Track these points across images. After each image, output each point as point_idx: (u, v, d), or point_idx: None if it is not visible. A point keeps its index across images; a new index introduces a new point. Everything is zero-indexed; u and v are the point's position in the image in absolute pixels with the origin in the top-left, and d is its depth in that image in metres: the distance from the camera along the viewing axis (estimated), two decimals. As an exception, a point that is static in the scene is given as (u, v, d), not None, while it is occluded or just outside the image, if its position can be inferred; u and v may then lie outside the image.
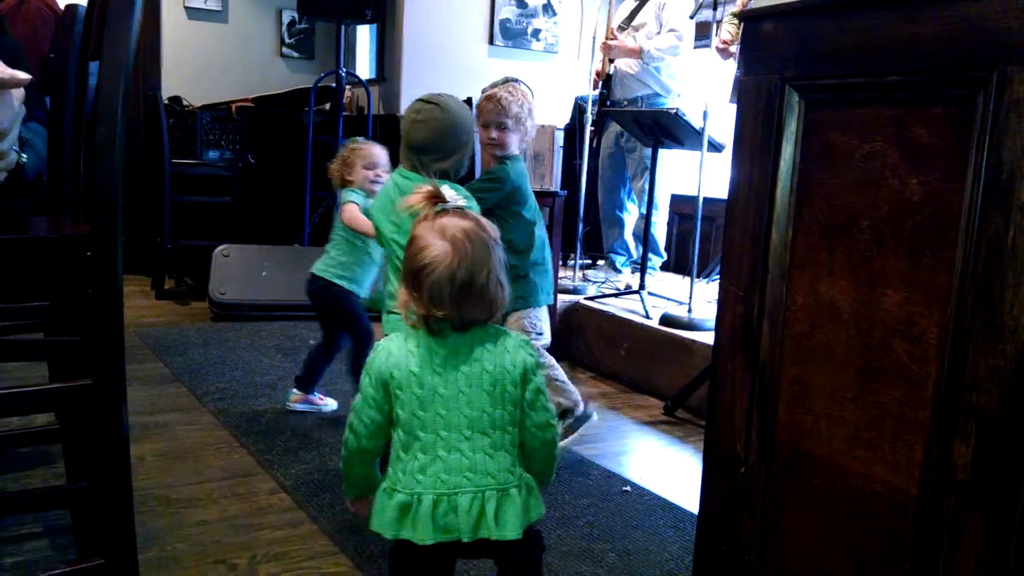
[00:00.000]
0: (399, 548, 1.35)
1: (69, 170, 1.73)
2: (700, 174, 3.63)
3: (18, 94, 0.71)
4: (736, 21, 3.90)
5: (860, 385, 1.23)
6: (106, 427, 1.37)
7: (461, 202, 1.36)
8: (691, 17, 3.98)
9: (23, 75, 0.70)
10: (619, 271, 4.66)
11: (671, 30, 4.08)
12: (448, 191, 1.36)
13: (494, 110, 2.47)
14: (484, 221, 1.35)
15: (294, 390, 2.99)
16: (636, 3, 4.24)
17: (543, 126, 4.06)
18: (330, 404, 3.02)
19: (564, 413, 2.61)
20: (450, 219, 1.32)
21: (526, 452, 1.38)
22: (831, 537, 1.28)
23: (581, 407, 2.65)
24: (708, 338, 2.94)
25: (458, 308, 1.29)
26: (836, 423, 1.27)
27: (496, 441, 1.32)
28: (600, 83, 4.32)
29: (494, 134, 2.48)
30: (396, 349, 1.33)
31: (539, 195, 4.43)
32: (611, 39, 4.17)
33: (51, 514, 1.99)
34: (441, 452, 1.30)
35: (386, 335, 2.05)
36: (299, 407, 2.97)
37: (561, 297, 3.99)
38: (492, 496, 1.31)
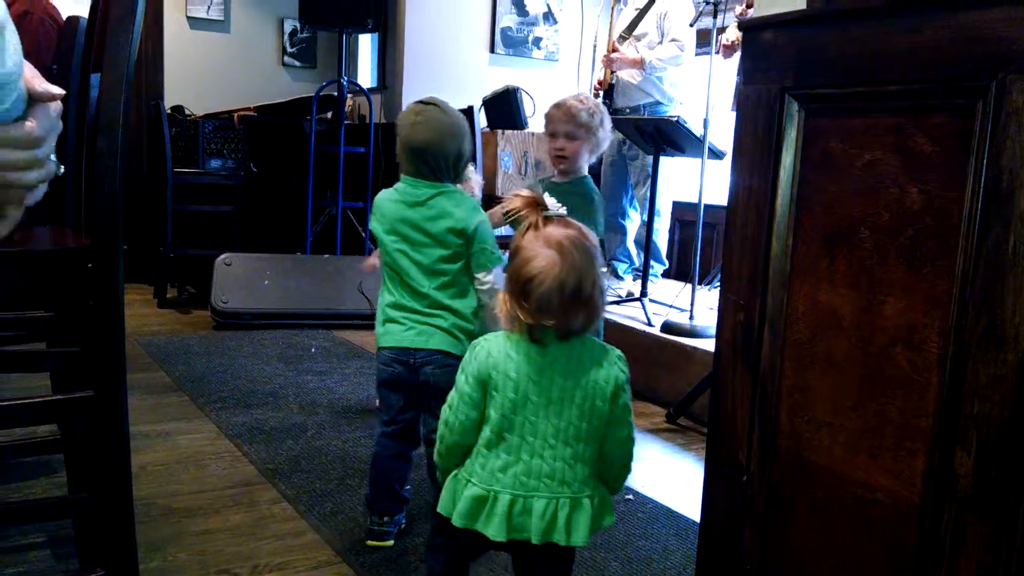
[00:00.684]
0: (444, 526, 1.39)
1: (71, 181, 1.73)
2: (701, 181, 3.64)
3: (55, 106, 0.71)
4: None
5: (861, 393, 1.23)
6: (107, 438, 1.37)
7: (562, 209, 1.37)
8: (691, 25, 3.99)
9: (57, 90, 0.71)
10: (621, 278, 4.66)
11: (673, 40, 4.09)
12: (549, 199, 1.36)
13: (562, 118, 2.37)
14: (586, 229, 1.37)
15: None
16: (637, 12, 4.25)
17: (544, 134, 4.07)
18: None
19: None
20: (555, 228, 1.33)
21: (606, 461, 1.40)
22: (833, 546, 1.28)
23: None
24: (710, 345, 2.94)
25: (566, 317, 1.31)
26: (837, 431, 1.26)
27: (578, 452, 1.35)
28: (602, 92, 4.33)
29: (561, 144, 2.38)
30: (496, 351, 1.35)
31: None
32: (613, 51, 4.18)
33: (53, 524, 1.99)
34: (524, 456, 1.33)
35: (381, 347, 2.05)
36: None
37: (563, 305, 3.98)
38: (566, 504, 1.34)
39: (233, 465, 2.53)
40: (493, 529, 1.33)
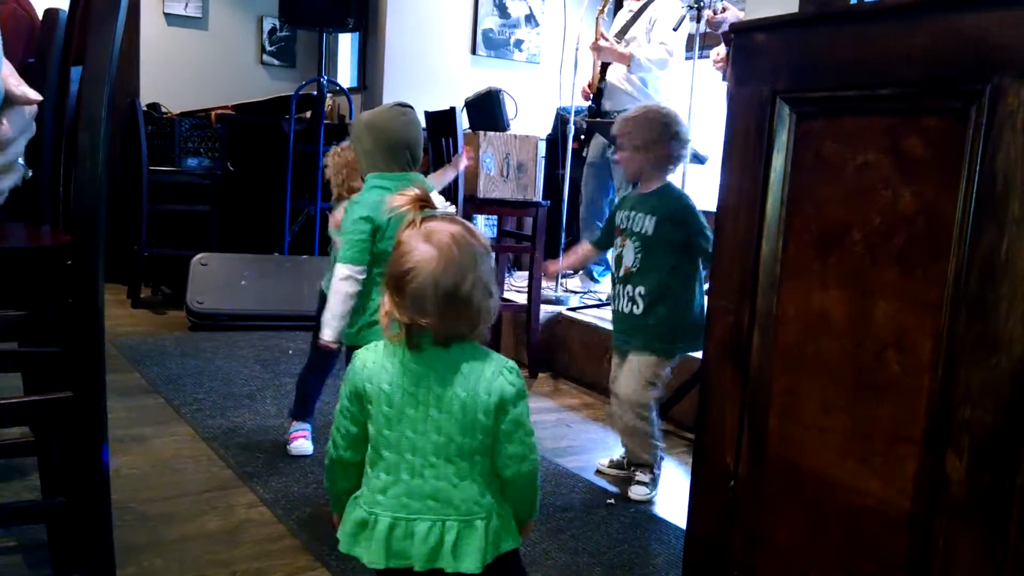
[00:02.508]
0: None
1: (48, 177, 1.69)
2: (683, 186, 3.64)
3: (31, 109, 0.68)
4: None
5: (852, 397, 1.22)
6: (85, 441, 1.33)
7: (451, 208, 1.31)
8: (674, 29, 4.00)
9: (34, 95, 0.68)
10: (597, 281, 4.66)
11: (661, 43, 4.10)
12: (437, 196, 1.30)
13: (619, 130, 2.53)
14: (475, 228, 1.30)
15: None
16: (628, 18, 4.26)
17: (527, 136, 4.07)
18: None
19: (642, 467, 2.52)
20: (438, 224, 1.26)
21: (503, 482, 1.31)
22: (822, 551, 1.27)
23: (647, 476, 2.52)
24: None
25: (442, 318, 1.22)
26: (827, 435, 1.26)
27: (462, 470, 1.25)
28: (591, 96, 4.34)
29: (619, 155, 2.56)
30: (372, 361, 1.28)
31: (522, 205, 4.44)
32: (602, 39, 4.17)
33: (26, 529, 1.94)
34: (404, 475, 1.25)
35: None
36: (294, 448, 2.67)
37: (543, 308, 3.98)
38: (453, 526, 1.24)
39: (210, 469, 2.49)
40: (372, 555, 1.24)
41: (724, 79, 3.90)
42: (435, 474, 1.25)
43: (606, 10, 4.35)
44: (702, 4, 3.56)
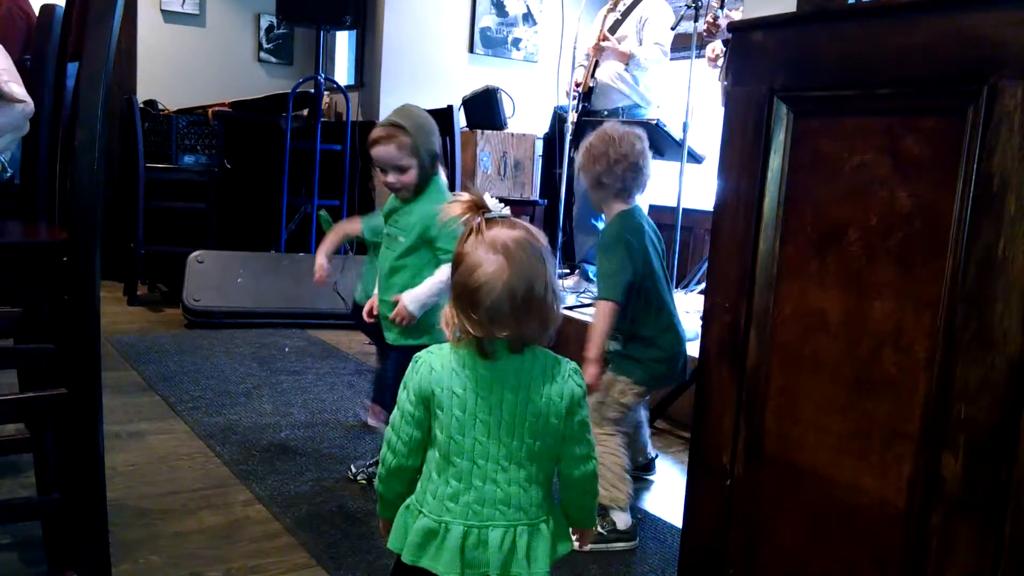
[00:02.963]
0: (403, 570, 1.27)
1: (44, 174, 1.69)
2: (680, 184, 3.64)
3: (23, 108, 0.69)
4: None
5: (848, 395, 1.23)
6: (81, 437, 1.33)
7: (506, 210, 1.26)
8: (672, 28, 4.00)
9: (25, 96, 0.68)
10: (592, 280, 4.66)
11: (656, 43, 4.10)
12: (490, 199, 1.26)
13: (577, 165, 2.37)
14: (533, 228, 1.26)
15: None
16: (619, 16, 4.26)
17: (523, 135, 4.07)
18: None
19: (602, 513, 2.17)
20: (500, 230, 1.22)
21: (564, 483, 1.30)
22: (819, 549, 1.28)
23: (622, 520, 2.16)
24: (688, 348, 2.94)
25: (519, 326, 1.20)
26: (824, 433, 1.26)
27: (532, 474, 1.24)
28: (580, 95, 4.33)
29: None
30: (440, 365, 1.24)
31: (519, 204, 4.44)
32: (605, 40, 4.17)
33: (21, 526, 1.94)
34: (476, 481, 1.22)
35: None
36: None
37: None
38: (524, 532, 1.23)
39: (206, 466, 2.49)
40: (443, 565, 1.21)
41: (720, 77, 3.91)
42: (507, 479, 1.23)
43: (612, 9, 4.35)
44: (699, 3, 3.56)
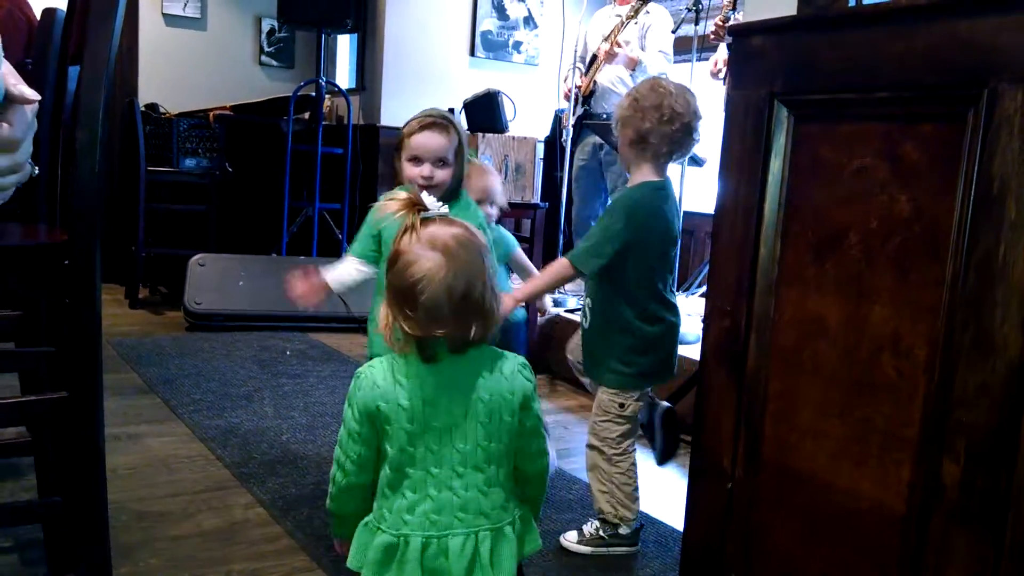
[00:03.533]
0: None
1: (45, 175, 1.69)
2: (680, 188, 3.65)
3: (32, 108, 0.69)
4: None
5: (847, 400, 1.22)
6: (81, 441, 1.33)
7: (444, 209, 1.24)
8: (673, 32, 4.00)
9: (33, 94, 0.68)
10: (590, 282, 4.65)
11: (660, 51, 4.11)
12: (429, 197, 1.24)
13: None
14: (472, 227, 1.25)
15: None
16: (616, 23, 4.26)
17: (524, 138, 4.06)
18: None
19: (600, 520, 2.11)
20: (436, 227, 1.20)
21: (521, 480, 1.29)
22: (818, 554, 1.27)
23: (625, 528, 2.10)
24: (689, 351, 2.94)
25: (458, 325, 1.18)
26: (823, 438, 1.26)
27: (491, 477, 1.22)
28: (581, 97, 4.34)
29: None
30: (382, 379, 1.20)
31: (520, 207, 4.44)
32: (617, 46, 4.17)
33: (22, 528, 1.94)
34: (431, 490, 1.19)
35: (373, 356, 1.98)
36: None
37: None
38: (486, 536, 1.21)
39: (206, 469, 2.49)
40: None
41: (727, 87, 3.90)
42: (464, 484, 1.20)
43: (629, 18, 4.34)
44: (700, 6, 3.56)
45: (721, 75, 3.94)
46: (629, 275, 2.03)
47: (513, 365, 1.25)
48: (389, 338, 1.21)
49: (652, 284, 2.06)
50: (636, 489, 2.12)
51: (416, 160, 1.95)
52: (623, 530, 2.10)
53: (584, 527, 2.13)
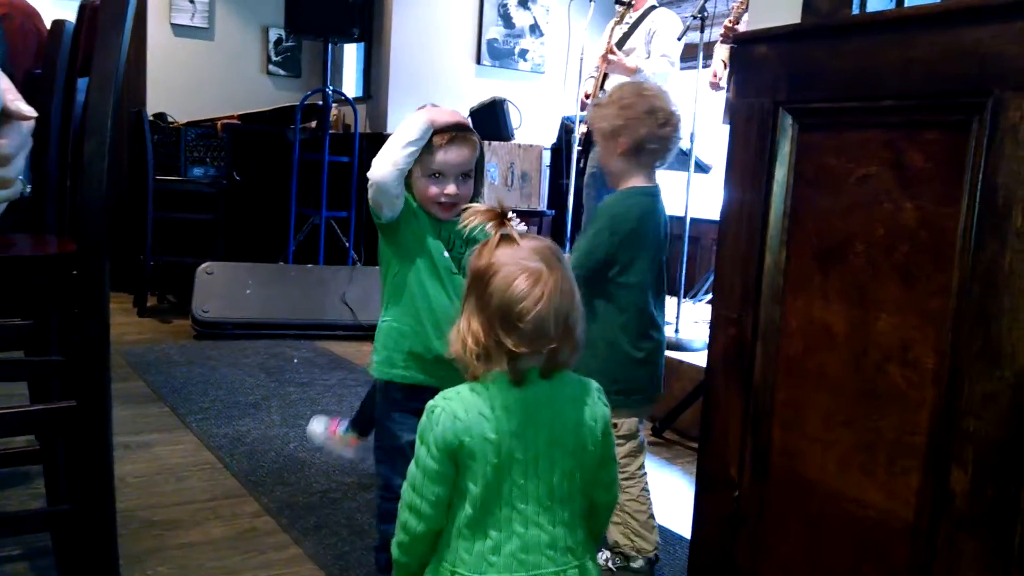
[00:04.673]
0: None
1: (54, 186, 1.71)
2: (687, 195, 3.65)
3: (28, 124, 0.69)
4: (727, 47, 3.93)
5: (854, 409, 1.22)
6: (90, 449, 1.34)
7: (522, 226, 1.17)
8: (679, 39, 4.01)
9: (30, 110, 0.68)
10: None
11: (663, 55, 4.11)
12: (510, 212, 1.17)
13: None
14: (555, 244, 1.18)
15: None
16: (627, 29, 4.27)
17: (530, 146, 4.07)
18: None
19: (614, 551, 2.00)
20: (535, 242, 1.14)
21: (593, 510, 1.22)
22: (825, 563, 1.27)
23: (640, 561, 1.99)
24: (696, 358, 2.94)
25: (559, 346, 1.11)
26: (830, 447, 1.26)
27: (575, 510, 1.16)
28: (588, 105, 4.34)
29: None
30: (464, 411, 1.12)
31: (526, 214, 4.44)
32: (611, 54, 4.18)
33: (31, 536, 1.95)
34: (518, 528, 1.11)
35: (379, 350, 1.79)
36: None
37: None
38: (574, 574, 1.14)
39: (215, 477, 2.49)
40: None
41: (714, 91, 3.91)
42: (551, 520, 1.13)
43: (619, 22, 4.35)
44: (705, 13, 3.57)
45: (722, 83, 3.94)
46: (618, 285, 1.92)
47: (592, 390, 1.20)
48: (470, 358, 1.13)
49: (643, 298, 1.95)
50: (652, 516, 2.01)
51: (437, 177, 1.69)
52: (637, 564, 1.98)
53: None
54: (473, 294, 1.14)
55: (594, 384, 1.22)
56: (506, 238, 1.14)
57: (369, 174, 1.64)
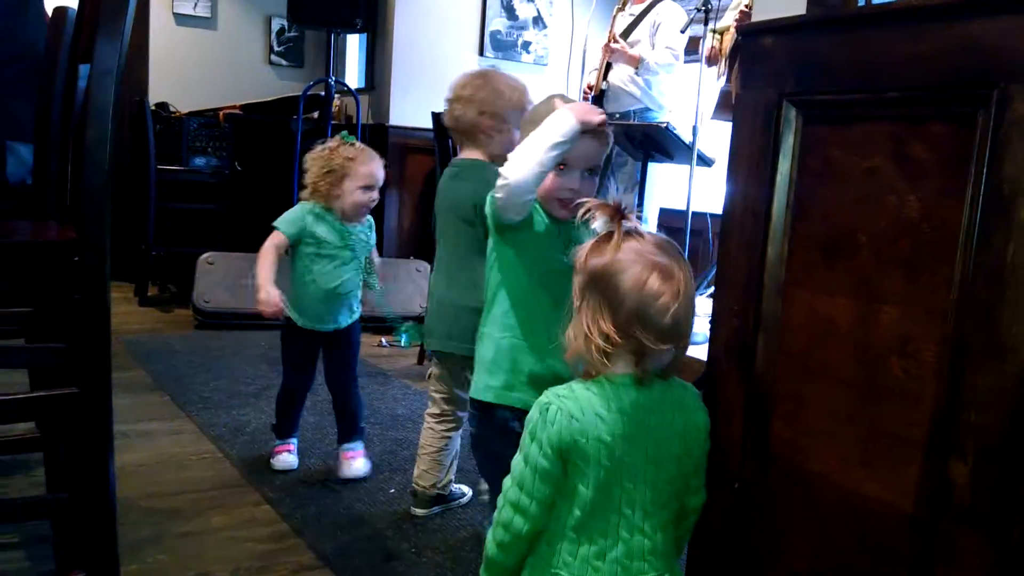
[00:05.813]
0: None
1: (55, 174, 1.70)
2: (690, 188, 3.64)
3: None
4: (718, 37, 3.91)
5: (857, 402, 1.22)
6: (91, 436, 1.34)
7: (639, 223, 1.16)
8: (682, 31, 4.00)
9: None
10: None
11: (668, 47, 4.10)
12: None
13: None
14: (671, 239, 1.17)
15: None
16: (631, 20, 4.26)
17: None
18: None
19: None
20: (653, 237, 1.12)
21: (683, 514, 1.23)
22: (828, 556, 1.27)
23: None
24: (698, 352, 2.93)
25: (686, 340, 1.11)
26: (832, 440, 1.26)
27: (671, 515, 1.15)
28: (592, 97, 4.33)
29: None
30: (580, 411, 1.09)
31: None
32: (614, 42, 4.17)
33: (30, 524, 1.95)
34: (624, 533, 1.10)
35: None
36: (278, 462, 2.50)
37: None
38: None
39: (215, 466, 2.50)
40: None
41: (719, 77, 3.88)
42: (653, 526, 1.12)
43: (621, 10, 4.34)
44: (709, 5, 3.55)
45: (718, 67, 3.91)
46: None
47: (695, 394, 1.18)
48: (597, 357, 1.10)
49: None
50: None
51: (562, 168, 1.54)
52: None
53: None
54: (597, 292, 1.11)
55: (693, 388, 1.21)
56: (630, 233, 1.12)
57: (504, 174, 1.46)
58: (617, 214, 1.14)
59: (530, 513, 1.11)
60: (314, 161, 2.50)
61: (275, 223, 2.31)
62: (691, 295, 1.10)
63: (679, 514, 1.23)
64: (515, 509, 1.12)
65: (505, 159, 1.49)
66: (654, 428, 1.12)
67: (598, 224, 1.14)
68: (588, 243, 1.15)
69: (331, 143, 2.49)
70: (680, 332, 1.09)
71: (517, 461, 1.13)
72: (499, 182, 1.46)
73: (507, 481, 1.14)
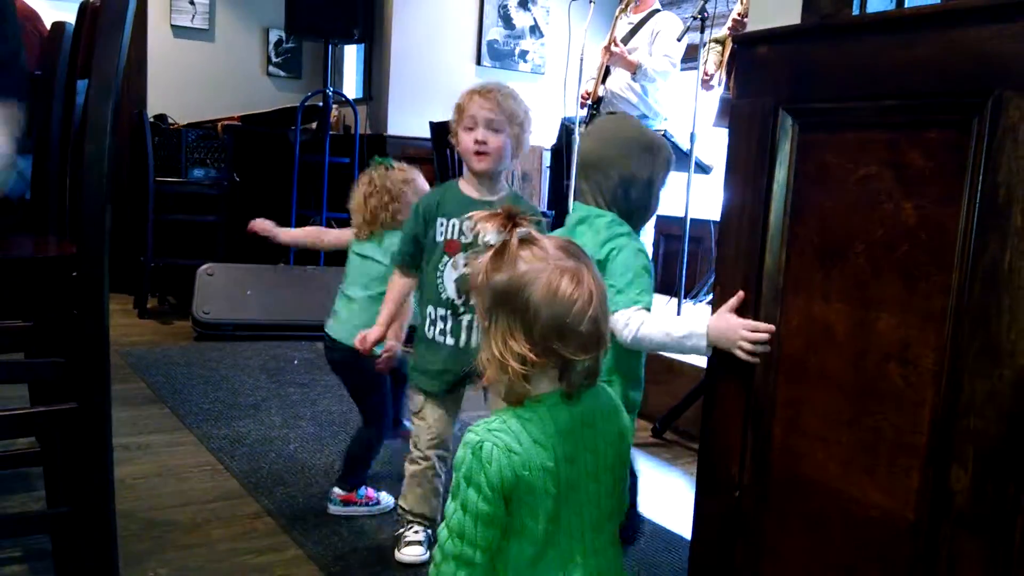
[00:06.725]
0: None
1: (54, 189, 1.70)
2: (688, 195, 3.65)
3: (7, 131, 0.69)
4: (718, 48, 3.92)
5: (855, 408, 1.22)
6: (91, 451, 1.34)
7: (532, 224, 1.08)
8: (678, 39, 4.01)
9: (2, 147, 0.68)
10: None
11: (665, 55, 4.11)
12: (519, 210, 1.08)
13: (486, 105, 1.96)
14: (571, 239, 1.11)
15: (336, 489, 2.31)
16: (631, 28, 4.27)
17: (531, 147, 4.05)
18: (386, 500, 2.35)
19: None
20: (553, 240, 1.04)
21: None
22: (827, 562, 1.27)
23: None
24: (696, 359, 2.93)
25: (604, 347, 1.04)
26: (831, 446, 1.26)
27: (616, 526, 1.10)
28: (588, 104, 4.34)
29: (481, 135, 1.90)
30: (517, 442, 1.00)
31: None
32: (614, 45, 4.18)
33: (30, 538, 1.95)
34: (578, 557, 1.04)
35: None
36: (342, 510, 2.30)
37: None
38: None
39: (215, 478, 2.49)
40: None
41: (719, 84, 3.88)
42: (604, 542, 1.08)
43: (624, 10, 4.34)
44: (705, 13, 3.57)
45: (713, 81, 3.92)
46: None
47: (612, 396, 1.13)
48: (516, 381, 1.02)
49: None
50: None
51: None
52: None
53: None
54: (506, 311, 1.02)
55: (607, 388, 1.17)
56: (525, 240, 1.03)
57: (636, 327, 1.48)
58: (508, 221, 1.04)
59: (476, 563, 1.02)
60: (369, 197, 2.39)
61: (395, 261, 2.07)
62: (603, 295, 1.02)
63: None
64: (459, 563, 1.03)
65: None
66: (590, 441, 1.06)
67: (490, 236, 1.05)
68: (482, 258, 1.05)
69: (374, 173, 2.41)
70: (600, 337, 1.02)
71: (452, 509, 1.03)
72: (635, 318, 1.47)
73: (442, 532, 1.05)
